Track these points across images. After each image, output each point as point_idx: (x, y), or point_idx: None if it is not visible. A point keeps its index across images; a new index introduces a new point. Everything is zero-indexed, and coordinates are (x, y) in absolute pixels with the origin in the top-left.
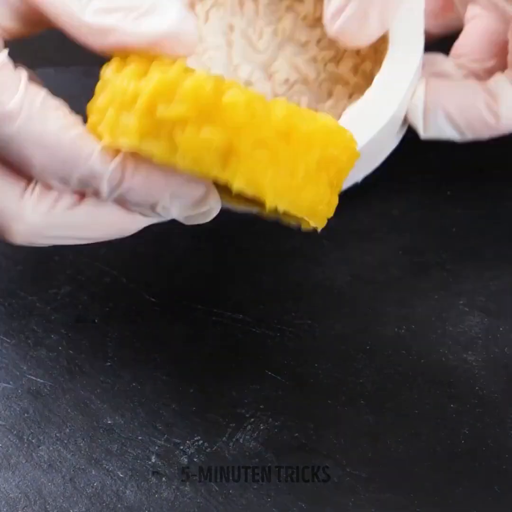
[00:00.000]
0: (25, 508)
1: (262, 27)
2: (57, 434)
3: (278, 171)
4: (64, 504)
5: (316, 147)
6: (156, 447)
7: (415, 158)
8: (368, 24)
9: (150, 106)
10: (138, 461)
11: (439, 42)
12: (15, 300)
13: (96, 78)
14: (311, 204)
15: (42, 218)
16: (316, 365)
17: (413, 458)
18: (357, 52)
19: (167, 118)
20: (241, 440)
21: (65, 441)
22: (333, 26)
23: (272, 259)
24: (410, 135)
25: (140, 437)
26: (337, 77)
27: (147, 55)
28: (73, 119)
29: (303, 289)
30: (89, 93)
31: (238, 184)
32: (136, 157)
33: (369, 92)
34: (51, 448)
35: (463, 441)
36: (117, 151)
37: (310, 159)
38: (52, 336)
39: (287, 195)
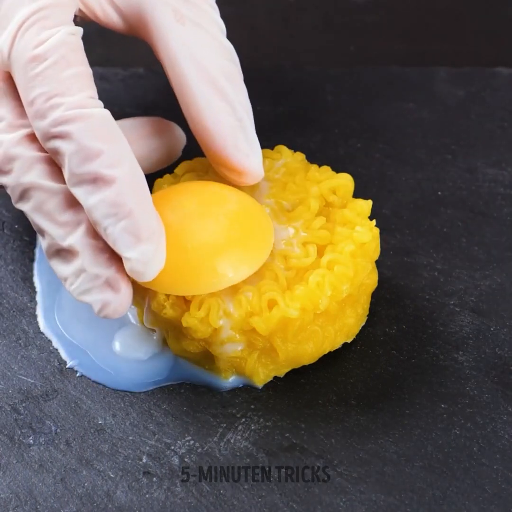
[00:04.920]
0: (16, 508)
1: None
2: (48, 434)
3: (260, 355)
4: (55, 504)
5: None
6: (147, 447)
7: (406, 158)
8: None
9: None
10: (129, 461)
11: None
12: (6, 300)
13: (96, 78)
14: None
15: None
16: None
17: (404, 458)
18: None
19: (158, 326)
20: (232, 440)
21: (56, 441)
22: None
23: None
24: (400, 136)
25: (131, 437)
26: None
27: None
28: None
29: None
30: None
31: (226, 377)
32: None
33: None
34: (42, 448)
35: (454, 441)
36: None
37: None
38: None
39: (273, 369)
